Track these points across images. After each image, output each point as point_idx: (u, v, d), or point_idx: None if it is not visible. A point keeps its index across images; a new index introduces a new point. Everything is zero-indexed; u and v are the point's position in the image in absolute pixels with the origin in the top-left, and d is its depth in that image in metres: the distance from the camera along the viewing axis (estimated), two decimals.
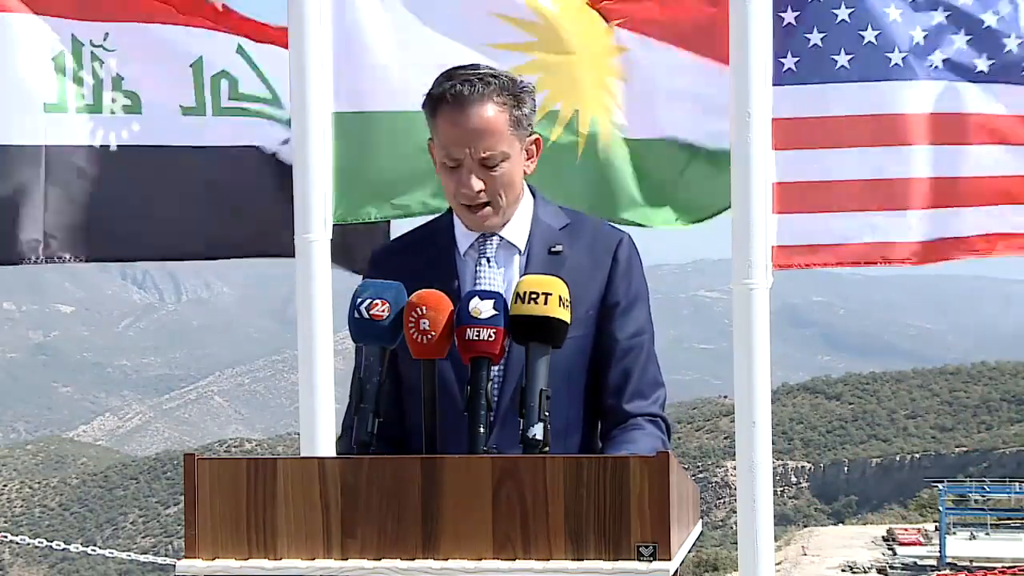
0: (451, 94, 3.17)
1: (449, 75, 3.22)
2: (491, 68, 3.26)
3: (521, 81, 3.26)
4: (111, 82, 5.23)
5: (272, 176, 5.27)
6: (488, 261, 3.26)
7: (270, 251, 5.36)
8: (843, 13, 4.96)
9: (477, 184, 3.19)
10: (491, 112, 3.17)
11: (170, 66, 5.25)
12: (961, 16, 4.99)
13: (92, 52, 5.22)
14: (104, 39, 5.23)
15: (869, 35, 4.96)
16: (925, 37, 4.97)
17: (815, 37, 4.95)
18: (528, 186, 3.33)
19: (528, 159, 3.28)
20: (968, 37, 4.98)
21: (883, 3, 4.97)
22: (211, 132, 5.28)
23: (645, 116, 5.15)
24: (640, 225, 5.20)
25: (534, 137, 3.29)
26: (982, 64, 4.98)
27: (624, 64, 5.14)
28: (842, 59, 4.96)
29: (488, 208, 3.22)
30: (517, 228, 3.29)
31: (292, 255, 5.06)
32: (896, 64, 4.97)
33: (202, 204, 5.33)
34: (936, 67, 4.98)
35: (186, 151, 5.28)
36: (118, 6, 5.25)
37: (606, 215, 4.97)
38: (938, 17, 4.99)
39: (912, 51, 4.97)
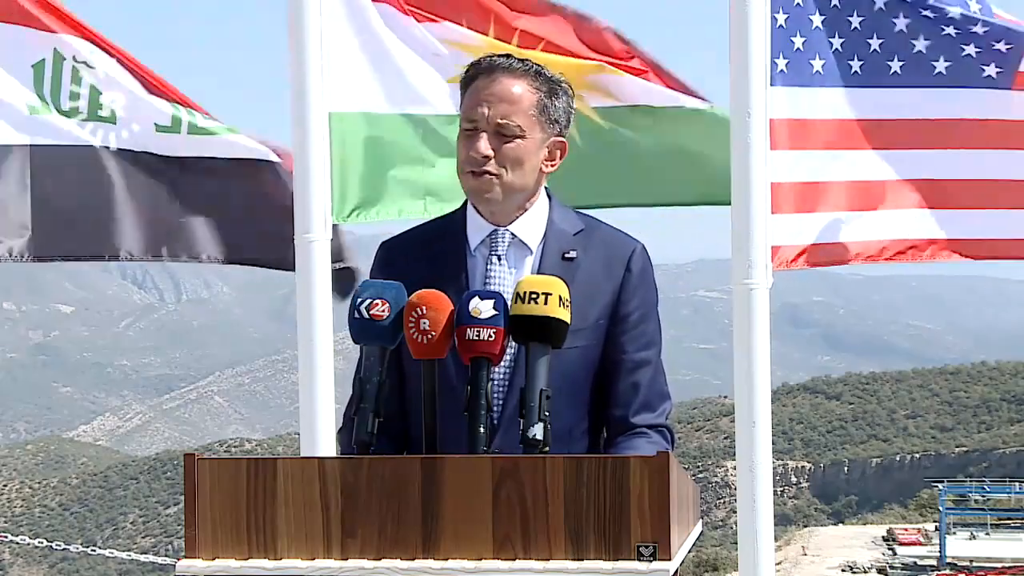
0: (487, 63, 3.23)
1: (490, 55, 3.28)
2: (533, 62, 3.31)
3: (559, 77, 3.29)
4: (95, 88, 5.28)
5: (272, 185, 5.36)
6: (499, 259, 3.24)
7: (266, 260, 5.43)
8: (817, 20, 5.02)
9: (486, 147, 3.18)
10: (519, 88, 3.21)
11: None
12: (923, 22, 5.06)
13: (74, 66, 5.25)
14: (90, 54, 5.28)
15: (836, 42, 5.03)
16: (882, 44, 5.04)
17: (798, 41, 5.00)
18: (545, 189, 3.31)
19: (549, 159, 3.27)
20: (927, 42, 5.06)
21: (847, 11, 5.03)
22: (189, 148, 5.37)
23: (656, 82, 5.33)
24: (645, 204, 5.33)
25: (560, 139, 3.28)
26: (940, 67, 5.07)
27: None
28: (817, 64, 5.01)
29: (491, 177, 3.19)
30: (530, 228, 3.26)
31: (284, 267, 5.15)
32: (855, 72, 5.04)
33: (196, 207, 5.38)
34: (895, 73, 5.06)
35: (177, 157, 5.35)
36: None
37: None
38: (899, 24, 5.06)
39: (869, 58, 5.04)
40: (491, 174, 3.19)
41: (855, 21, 5.04)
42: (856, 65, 5.04)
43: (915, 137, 5.09)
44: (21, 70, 5.24)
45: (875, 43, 5.05)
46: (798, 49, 4.99)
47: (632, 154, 5.29)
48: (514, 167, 3.20)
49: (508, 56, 3.27)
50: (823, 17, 5.02)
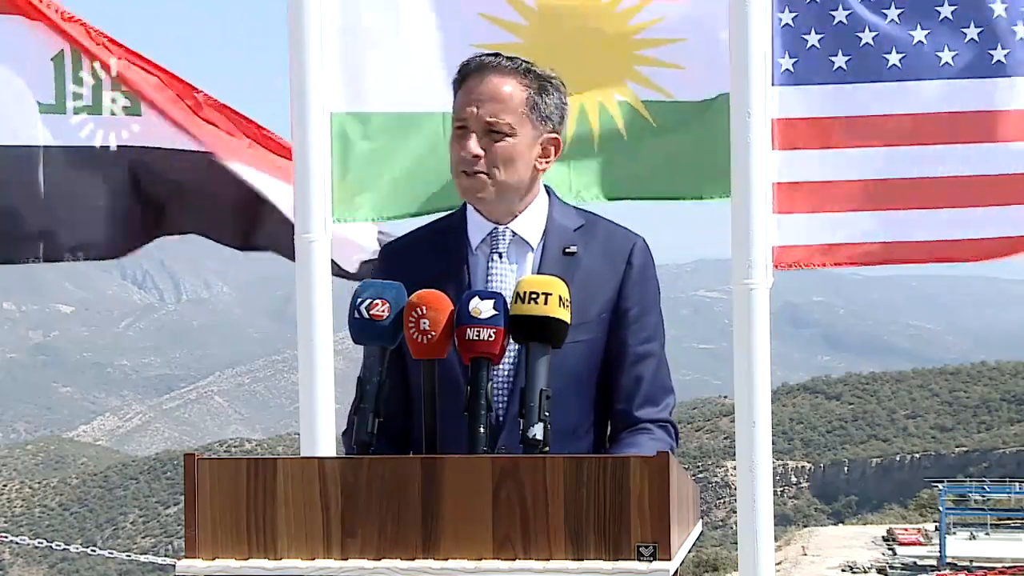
0: (476, 62, 3.23)
1: (479, 54, 3.28)
2: (523, 59, 3.29)
3: (550, 74, 3.28)
4: (110, 83, 5.25)
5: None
6: (500, 257, 3.24)
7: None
8: (840, 15, 4.97)
9: (476, 148, 3.18)
10: (508, 86, 3.21)
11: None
12: (969, 9, 4.96)
13: (93, 53, 5.23)
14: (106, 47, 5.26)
15: (866, 36, 4.97)
16: (928, 35, 4.97)
17: (812, 38, 4.96)
18: (545, 186, 3.32)
19: (543, 156, 3.27)
20: (979, 30, 4.95)
21: (882, 4, 4.98)
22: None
23: (699, 74, 5.04)
24: (696, 198, 5.18)
25: (553, 136, 3.28)
26: (999, 55, 4.94)
27: (665, 31, 5.04)
28: (840, 60, 4.97)
29: (484, 176, 3.20)
30: (531, 225, 3.27)
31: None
32: (894, 65, 4.97)
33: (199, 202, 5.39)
34: (946, 64, 4.97)
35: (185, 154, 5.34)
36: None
37: (642, 195, 5.11)
38: (944, 12, 4.98)
39: (913, 50, 4.96)
40: (483, 174, 3.20)
41: (892, 14, 4.97)
42: (895, 58, 4.96)
43: (923, 133, 5.00)
44: (34, 66, 5.21)
45: (920, 34, 4.96)
46: (813, 47, 4.95)
47: (675, 151, 5.13)
48: (506, 166, 3.20)
49: (497, 54, 3.27)
50: (847, 12, 4.97)
